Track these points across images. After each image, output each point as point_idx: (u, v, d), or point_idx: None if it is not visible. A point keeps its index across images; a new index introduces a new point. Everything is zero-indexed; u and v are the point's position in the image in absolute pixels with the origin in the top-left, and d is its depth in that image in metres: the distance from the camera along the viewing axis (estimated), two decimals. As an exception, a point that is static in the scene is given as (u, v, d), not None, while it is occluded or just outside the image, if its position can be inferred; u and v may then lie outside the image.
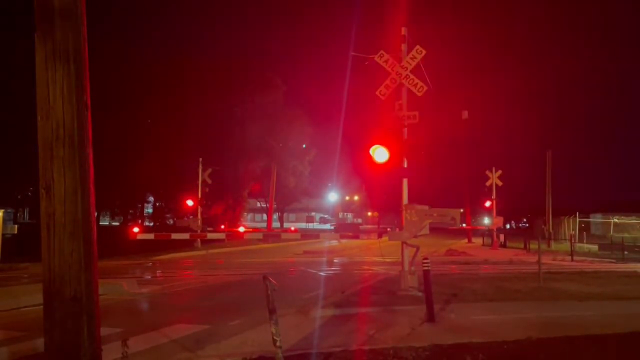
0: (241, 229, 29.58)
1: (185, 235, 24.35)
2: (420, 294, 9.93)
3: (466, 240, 39.77)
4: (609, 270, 17.70)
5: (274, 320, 5.03)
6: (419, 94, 11.21)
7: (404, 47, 11.46)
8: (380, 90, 11.35)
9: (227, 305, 10.51)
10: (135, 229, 21.62)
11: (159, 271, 18.28)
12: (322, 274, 17.11)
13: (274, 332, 5.03)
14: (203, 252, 26.65)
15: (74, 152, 3.46)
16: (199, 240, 28.55)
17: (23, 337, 7.34)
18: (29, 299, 9.84)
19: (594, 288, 11.98)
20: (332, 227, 56.07)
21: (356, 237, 36.36)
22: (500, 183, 32.57)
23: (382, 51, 11.38)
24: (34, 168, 3.50)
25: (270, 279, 5.09)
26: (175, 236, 24.16)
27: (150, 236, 23.35)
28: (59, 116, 3.43)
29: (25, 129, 19.44)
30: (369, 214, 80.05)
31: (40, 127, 3.46)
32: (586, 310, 9.30)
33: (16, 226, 21.14)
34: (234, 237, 30.52)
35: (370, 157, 11.04)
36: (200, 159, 31.49)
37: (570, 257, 23.17)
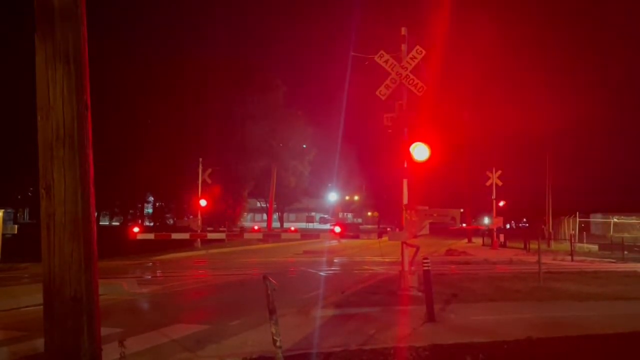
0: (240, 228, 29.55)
1: (186, 235, 24.34)
2: (420, 294, 9.93)
3: (466, 240, 39.76)
4: (609, 270, 17.70)
5: (274, 320, 5.03)
6: (419, 94, 11.22)
7: (404, 47, 11.46)
8: (381, 90, 11.36)
9: (227, 305, 10.52)
10: (136, 229, 21.60)
11: (159, 271, 18.29)
12: (322, 273, 17.11)
13: (274, 332, 5.03)
14: (203, 252, 26.65)
15: (74, 152, 3.46)
16: (199, 240, 28.56)
17: (23, 337, 7.34)
18: (29, 299, 9.84)
19: (594, 288, 11.98)
20: (331, 227, 56.02)
21: (356, 237, 36.37)
22: (500, 183, 32.60)
23: (382, 51, 11.38)
24: (34, 168, 3.50)
25: (270, 278, 5.10)
26: (175, 236, 24.14)
27: (151, 236, 23.33)
28: (59, 116, 3.43)
29: (26, 129, 19.46)
30: (369, 214, 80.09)
31: (40, 127, 3.46)
32: (586, 310, 9.30)
33: (16, 226, 21.15)
34: (234, 237, 30.52)
35: (372, 157, 11.00)
36: (200, 159, 31.51)
37: (570, 257, 23.16)
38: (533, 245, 26.60)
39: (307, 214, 75.70)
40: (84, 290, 3.46)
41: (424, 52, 11.27)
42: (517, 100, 41.64)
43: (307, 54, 68.64)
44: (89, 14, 3.62)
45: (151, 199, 50.01)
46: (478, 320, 8.32)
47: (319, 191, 65.21)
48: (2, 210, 18.00)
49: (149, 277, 16.50)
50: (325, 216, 75.09)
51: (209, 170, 31.80)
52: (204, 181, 31.41)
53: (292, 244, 33.24)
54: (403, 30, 11.59)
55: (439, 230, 35.55)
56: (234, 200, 42.22)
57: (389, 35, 11.89)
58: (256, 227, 43.15)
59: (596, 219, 36.86)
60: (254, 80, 40.96)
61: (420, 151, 10.73)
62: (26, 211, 50.64)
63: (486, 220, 38.18)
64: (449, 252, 27.01)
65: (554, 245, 31.53)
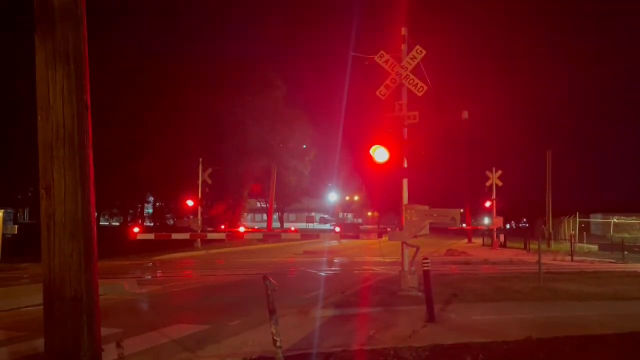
0: (241, 229, 29.57)
1: (186, 235, 24.35)
2: (420, 294, 9.93)
3: (466, 241, 39.76)
4: (609, 270, 17.70)
5: (274, 320, 5.03)
6: (419, 94, 11.22)
7: (404, 47, 11.46)
8: (380, 91, 11.36)
9: (227, 305, 10.52)
10: (136, 229, 21.62)
11: (159, 271, 18.28)
12: (322, 274, 17.11)
13: (274, 332, 5.03)
14: (203, 252, 26.65)
15: (74, 152, 3.46)
16: (199, 240, 28.56)
17: (23, 337, 7.33)
18: (29, 299, 9.84)
19: (594, 288, 11.97)
20: (332, 227, 56.07)
21: (356, 237, 36.37)
22: (500, 183, 32.60)
23: (382, 51, 11.38)
24: (34, 168, 3.51)
25: (270, 279, 5.09)
26: (175, 236, 24.15)
27: (151, 236, 23.35)
28: (59, 116, 3.44)
29: (26, 129, 19.45)
30: (369, 214, 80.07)
31: (40, 128, 3.47)
32: (586, 310, 9.30)
33: (16, 226, 21.13)
34: (234, 237, 30.52)
35: (370, 157, 11.05)
36: (200, 159, 31.50)
37: (570, 257, 23.16)
38: (533, 246, 26.59)
39: (307, 214, 75.68)
40: (84, 290, 3.47)
41: (424, 51, 11.27)
42: (517, 100, 41.69)
43: (307, 54, 68.56)
44: (89, 14, 3.62)
45: (151, 199, 49.99)
46: (478, 320, 8.32)
47: (319, 191, 65.18)
48: (2, 210, 17.99)
49: (149, 277, 16.49)
50: (326, 216, 75.10)
51: (209, 170, 31.80)
52: (204, 181, 31.40)
53: (292, 244, 33.24)
54: (403, 31, 11.59)
55: (439, 230, 35.53)
56: (234, 201, 42.19)
57: (389, 35, 11.88)
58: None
59: (596, 219, 36.84)
60: (254, 80, 40.93)
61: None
62: (26, 211, 50.62)
63: (486, 221, 38.17)
64: (449, 252, 27.01)
65: (554, 245, 31.52)
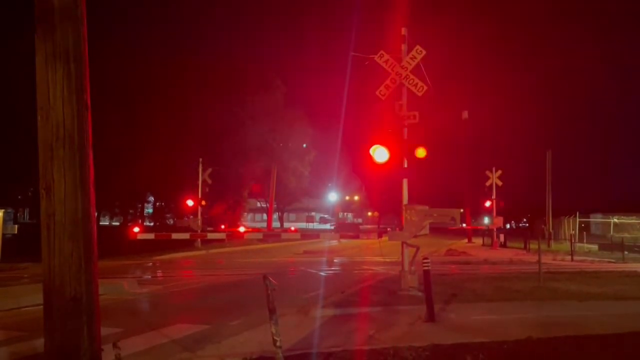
0: (241, 229, 29.57)
1: (186, 235, 24.32)
2: (420, 293, 9.93)
3: (466, 240, 39.75)
4: (609, 270, 17.70)
5: (274, 320, 5.03)
6: (419, 94, 11.22)
7: (404, 47, 11.46)
8: (381, 91, 11.36)
9: (227, 305, 10.52)
10: (136, 229, 21.60)
11: (159, 271, 18.28)
12: (322, 273, 17.11)
13: (274, 332, 5.03)
14: (203, 252, 26.65)
15: (74, 152, 3.46)
16: (199, 240, 28.55)
17: (23, 337, 7.33)
18: (29, 299, 9.84)
19: (594, 288, 11.97)
20: (332, 227, 56.07)
21: (356, 237, 36.36)
22: (500, 183, 32.60)
23: (382, 51, 11.38)
24: (34, 168, 3.51)
25: (270, 278, 5.09)
26: (175, 236, 24.12)
27: (151, 236, 23.33)
28: (59, 116, 3.44)
29: (26, 129, 19.45)
30: (369, 214, 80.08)
31: (40, 128, 3.46)
32: (586, 310, 9.30)
33: (16, 226, 21.16)
34: (234, 237, 30.52)
35: (370, 157, 11.05)
36: (201, 159, 31.49)
37: (570, 257, 23.16)
38: (533, 245, 26.59)
39: (307, 214, 75.70)
40: (84, 290, 3.47)
41: (424, 52, 11.27)
42: (518, 100, 41.69)
43: (307, 54, 68.54)
44: (89, 14, 3.62)
45: (151, 199, 50.01)
46: (478, 320, 8.32)
47: (319, 191, 65.18)
48: (2, 210, 18.00)
49: (149, 277, 16.49)
50: (326, 216, 75.12)
51: (209, 170, 31.79)
52: (204, 181, 31.40)
53: (292, 244, 33.24)
54: (403, 31, 11.59)
55: (439, 230, 35.54)
56: (234, 201, 42.19)
57: (389, 35, 11.88)
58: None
59: (596, 219, 36.85)
60: (254, 80, 40.93)
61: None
62: (26, 211, 50.62)
63: (486, 221, 38.18)
64: (449, 252, 27.01)
65: (554, 245, 31.52)
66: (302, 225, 67.04)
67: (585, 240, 30.38)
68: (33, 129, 3.52)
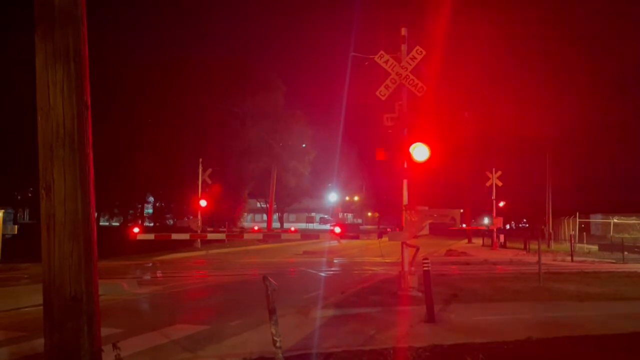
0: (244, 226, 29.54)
1: (186, 236, 24.34)
2: (420, 294, 9.93)
3: (466, 241, 39.75)
4: (609, 270, 17.69)
5: (274, 320, 5.03)
6: (419, 94, 11.22)
7: (404, 47, 11.46)
8: (381, 91, 11.36)
9: (227, 306, 10.52)
10: (136, 229, 21.62)
11: (159, 271, 18.27)
12: (322, 274, 17.11)
13: (274, 332, 5.03)
14: (203, 253, 26.65)
15: (74, 152, 3.46)
16: (199, 240, 28.56)
17: (23, 337, 7.33)
18: (29, 299, 9.84)
19: (594, 288, 11.98)
20: (331, 227, 55.97)
21: (356, 237, 36.32)
22: (500, 183, 32.60)
23: (382, 52, 11.38)
24: (34, 168, 3.51)
25: (270, 279, 5.10)
26: (175, 236, 24.16)
27: (151, 236, 23.36)
28: (59, 116, 3.43)
29: (26, 129, 19.44)
30: (369, 214, 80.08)
31: (40, 128, 3.46)
32: (586, 311, 9.30)
33: (16, 226, 21.14)
34: (234, 238, 30.53)
35: (373, 156, 10.93)
36: (201, 160, 31.49)
37: (570, 258, 23.15)
38: (533, 246, 26.59)
39: (307, 215, 75.68)
40: (83, 290, 3.46)
41: (424, 52, 11.27)
42: (518, 101, 41.67)
43: (307, 54, 68.65)
44: (89, 14, 3.62)
45: (151, 199, 49.98)
46: (478, 321, 8.32)
47: (319, 191, 65.18)
48: (2, 210, 18.00)
49: (149, 277, 16.50)
50: (325, 216, 75.07)
51: (209, 171, 31.79)
52: (204, 181, 31.40)
53: (292, 244, 33.23)
54: (403, 31, 11.59)
55: (439, 230, 35.57)
56: (234, 201, 42.20)
57: (389, 35, 11.89)
58: (256, 228, 43.17)
59: (596, 219, 36.80)
60: (254, 80, 40.95)
61: (420, 151, 10.72)
62: (26, 211, 50.57)
63: (486, 221, 38.16)
64: (449, 252, 27.01)
65: (554, 245, 31.51)
66: (302, 225, 67.01)
67: (585, 241, 30.35)
68: (33, 129, 3.52)
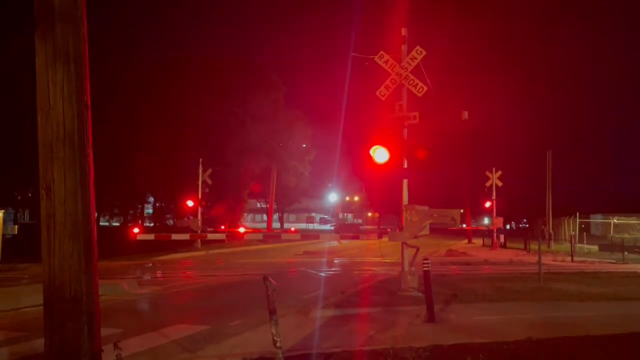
0: (241, 230, 29.57)
1: (186, 236, 24.35)
2: (420, 294, 9.93)
3: (466, 241, 39.76)
4: (609, 270, 17.70)
5: (274, 320, 5.03)
6: (419, 95, 11.22)
7: (404, 47, 11.46)
8: (380, 91, 11.36)
9: (227, 306, 10.51)
10: (136, 230, 21.65)
11: (159, 271, 18.27)
12: (322, 274, 17.11)
13: (274, 332, 5.03)
14: (203, 253, 26.65)
15: (74, 152, 3.46)
16: (199, 240, 28.56)
17: (23, 337, 7.33)
18: (29, 299, 9.83)
19: (594, 288, 11.97)
20: (332, 228, 56.05)
21: (356, 237, 36.35)
22: (500, 183, 32.60)
23: (382, 52, 11.38)
24: (34, 168, 3.51)
25: (271, 279, 5.10)
26: (175, 237, 24.16)
27: (151, 237, 23.38)
28: (60, 117, 3.44)
29: (26, 129, 19.46)
30: (369, 214, 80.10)
31: (40, 128, 3.47)
32: (586, 311, 9.29)
33: (16, 227, 21.14)
34: (234, 238, 30.54)
35: (370, 157, 11.04)
36: (201, 160, 31.49)
37: (570, 258, 23.16)
38: (533, 246, 26.59)
39: (307, 215, 75.66)
40: (84, 291, 3.47)
41: (424, 52, 11.27)
42: (518, 101, 41.68)
43: (307, 54, 68.67)
44: (89, 14, 3.62)
45: (151, 199, 49.99)
46: (478, 321, 8.32)
47: (319, 192, 65.20)
48: (3, 210, 17.99)
49: (149, 277, 16.49)
50: (326, 217, 75.11)
51: (209, 171, 31.79)
52: (204, 181, 31.40)
53: (292, 244, 33.23)
54: (403, 31, 11.59)
55: (439, 230, 35.56)
56: (234, 201, 42.17)
57: (389, 35, 11.88)
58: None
59: (596, 219, 36.81)
60: (254, 80, 40.92)
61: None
62: (26, 211, 50.58)
63: (486, 221, 38.17)
64: (449, 252, 27.02)
65: (554, 245, 31.51)
66: (302, 225, 67.03)
67: (585, 241, 30.35)
68: (33, 129, 3.52)
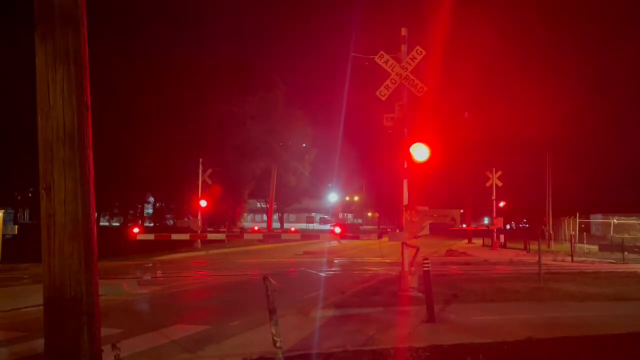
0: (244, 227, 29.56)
1: (186, 236, 24.33)
2: (420, 294, 9.93)
3: (466, 241, 39.76)
4: (609, 270, 17.69)
5: (274, 320, 5.03)
6: (419, 95, 11.22)
7: (404, 47, 11.46)
8: (381, 91, 11.35)
9: (227, 306, 10.51)
10: (136, 230, 21.62)
11: (159, 272, 18.27)
12: (322, 274, 17.11)
13: (274, 332, 5.03)
14: (203, 253, 26.65)
15: (74, 152, 3.46)
16: (199, 240, 28.55)
17: (23, 337, 7.33)
18: (29, 299, 9.83)
19: (594, 289, 11.97)
20: (332, 228, 55.99)
21: (356, 237, 36.33)
22: (500, 183, 32.61)
23: (382, 52, 11.38)
24: (35, 169, 3.50)
25: (271, 279, 5.10)
26: (175, 237, 24.16)
27: (151, 237, 23.37)
28: (59, 117, 3.43)
29: (26, 129, 19.44)
30: (369, 214, 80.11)
31: (40, 128, 3.46)
32: (586, 311, 9.29)
33: (16, 227, 21.16)
34: (234, 238, 30.54)
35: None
36: (201, 160, 31.50)
37: (570, 258, 23.15)
38: (533, 246, 26.58)
39: (307, 215, 75.70)
40: (84, 291, 3.46)
41: (424, 52, 11.27)
42: (518, 101, 41.65)
43: (307, 54, 68.59)
44: (89, 14, 3.62)
45: (151, 199, 50.00)
46: (478, 321, 8.32)
47: (319, 192, 65.19)
48: (3, 210, 18.00)
49: (149, 277, 16.49)
50: (326, 217, 75.09)
51: (209, 171, 31.79)
52: (204, 181, 31.40)
53: (292, 244, 33.23)
54: (403, 31, 11.59)
55: (439, 230, 35.55)
56: (234, 201, 42.21)
57: (389, 35, 11.89)
58: (256, 228, 43.16)
59: (596, 219, 36.80)
60: (254, 80, 40.96)
61: (420, 152, 10.68)
62: (26, 211, 50.60)
63: (486, 221, 38.15)
64: (449, 252, 27.01)
65: (554, 245, 31.51)
66: (302, 225, 67.02)
67: (585, 241, 30.34)
68: (33, 129, 3.52)
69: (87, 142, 3.55)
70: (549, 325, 7.96)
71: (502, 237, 33.73)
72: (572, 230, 31.29)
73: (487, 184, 32.97)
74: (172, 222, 43.31)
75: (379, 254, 20.54)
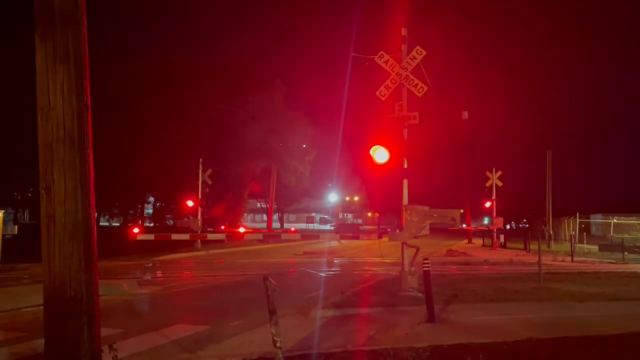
0: (241, 230, 29.57)
1: (186, 236, 24.34)
2: (420, 294, 9.93)
3: (466, 241, 39.75)
4: (609, 270, 17.69)
5: (274, 320, 5.03)
6: (419, 95, 11.22)
7: (404, 47, 11.46)
8: (380, 91, 11.36)
9: (227, 306, 10.51)
10: (136, 230, 21.65)
11: (159, 272, 18.27)
12: (322, 274, 17.11)
13: (274, 332, 5.03)
14: (203, 253, 26.64)
15: (74, 152, 3.46)
16: (199, 240, 28.55)
17: (23, 337, 7.33)
18: (29, 299, 9.83)
19: (594, 289, 11.97)
20: (332, 228, 56.05)
21: (356, 237, 36.36)
22: (500, 184, 32.61)
23: (382, 52, 11.38)
24: (34, 168, 3.50)
25: (271, 279, 5.10)
26: (175, 237, 24.17)
27: (150, 237, 23.39)
28: (59, 117, 3.43)
29: (26, 129, 19.46)
30: (369, 214, 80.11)
31: (40, 128, 3.46)
32: (586, 311, 9.29)
33: (16, 227, 21.11)
34: (234, 238, 30.53)
35: (370, 157, 11.03)
36: (201, 160, 31.48)
37: (570, 258, 23.15)
38: (533, 246, 26.59)
39: (307, 215, 75.72)
40: (84, 291, 3.46)
41: (424, 52, 11.27)
42: (518, 101, 41.69)
43: (307, 54, 68.63)
44: (89, 15, 3.62)
45: (151, 199, 50.03)
46: (478, 321, 8.32)
47: (319, 192, 65.16)
48: (3, 210, 17.98)
49: (149, 277, 16.49)
50: (326, 217, 75.11)
51: (209, 171, 31.78)
52: (204, 181, 31.39)
53: (292, 244, 33.23)
54: (403, 31, 11.59)
55: (439, 230, 35.58)
56: (234, 201, 42.19)
57: (389, 35, 11.89)
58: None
59: (596, 219, 36.83)
60: (254, 80, 40.92)
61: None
62: (26, 211, 50.61)
63: (486, 221, 38.14)
64: (449, 252, 27.01)
65: (554, 245, 31.51)
66: (302, 225, 67.04)
67: (585, 241, 30.35)
68: (33, 129, 3.52)
69: (87, 142, 3.54)
70: (549, 325, 7.96)
71: (502, 237, 33.73)
72: (572, 230, 31.30)
73: (487, 184, 32.97)
74: (172, 222, 43.36)
75: (379, 254, 20.53)
